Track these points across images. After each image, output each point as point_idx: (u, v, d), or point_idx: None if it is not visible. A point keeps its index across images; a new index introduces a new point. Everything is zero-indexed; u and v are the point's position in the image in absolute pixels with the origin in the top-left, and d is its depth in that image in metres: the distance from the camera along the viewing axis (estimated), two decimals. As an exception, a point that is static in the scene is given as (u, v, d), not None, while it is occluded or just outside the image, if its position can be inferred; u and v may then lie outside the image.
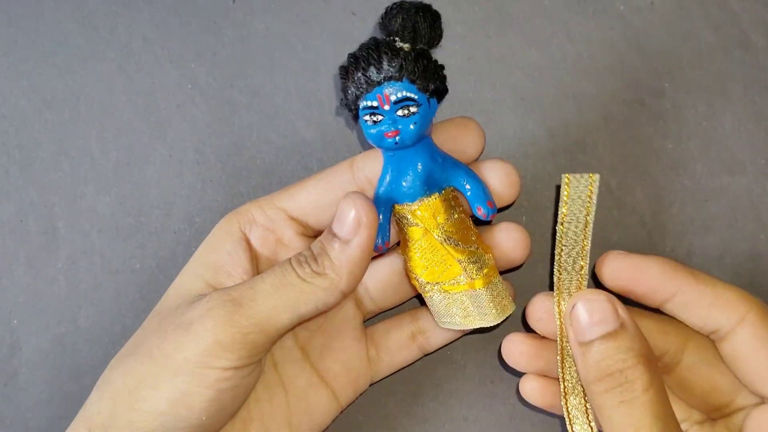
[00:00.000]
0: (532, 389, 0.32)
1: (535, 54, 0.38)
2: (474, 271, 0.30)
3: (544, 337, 0.32)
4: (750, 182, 0.37)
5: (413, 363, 0.36)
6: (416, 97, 0.28)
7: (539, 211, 0.37)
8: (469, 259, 0.30)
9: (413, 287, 0.33)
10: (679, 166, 0.37)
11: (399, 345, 0.35)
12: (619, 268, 0.31)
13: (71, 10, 0.39)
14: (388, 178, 0.30)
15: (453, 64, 0.38)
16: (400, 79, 0.27)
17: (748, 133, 0.37)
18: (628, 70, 0.37)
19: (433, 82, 0.28)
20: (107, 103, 0.39)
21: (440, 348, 0.36)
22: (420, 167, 0.30)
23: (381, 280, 0.35)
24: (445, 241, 0.30)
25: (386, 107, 0.28)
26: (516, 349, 0.32)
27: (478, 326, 0.31)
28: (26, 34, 0.39)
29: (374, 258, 0.34)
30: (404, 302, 0.36)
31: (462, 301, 0.30)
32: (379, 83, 0.28)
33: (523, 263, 0.34)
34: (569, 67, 0.38)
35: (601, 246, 0.37)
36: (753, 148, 0.37)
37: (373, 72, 0.28)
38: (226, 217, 0.33)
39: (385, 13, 0.28)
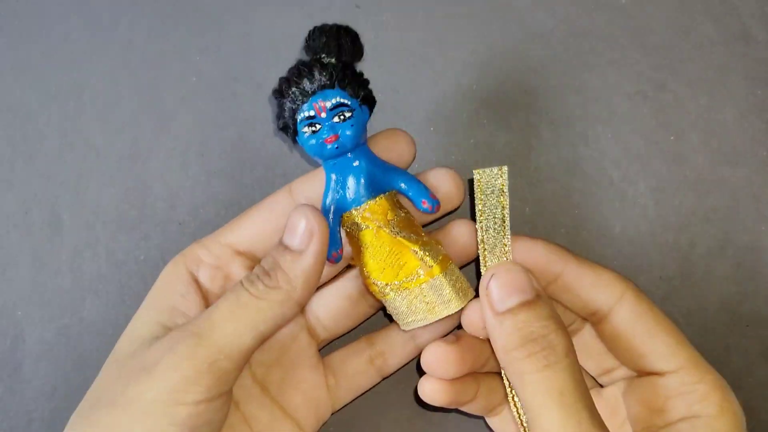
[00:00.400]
0: (431, 390, 0.32)
1: (538, 47, 0.38)
2: (430, 259, 0.30)
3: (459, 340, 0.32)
4: (751, 174, 0.37)
5: (373, 387, 0.36)
6: (349, 102, 0.30)
7: (542, 204, 0.37)
8: (423, 248, 0.30)
9: (370, 302, 0.34)
10: (680, 158, 0.37)
11: (357, 371, 0.35)
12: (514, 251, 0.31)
13: (76, 3, 0.39)
14: (332, 187, 0.31)
15: (457, 57, 0.38)
16: (332, 87, 0.29)
17: (749, 125, 0.37)
18: (630, 63, 0.38)
19: (362, 89, 0.30)
20: (111, 95, 0.39)
21: (398, 369, 0.35)
22: (362, 172, 0.31)
23: (331, 307, 0.34)
24: (398, 234, 0.31)
25: (323, 114, 0.30)
26: (439, 355, 0.31)
27: (443, 316, 0.31)
28: (31, 28, 0.39)
29: (321, 286, 0.34)
30: (356, 327, 0.36)
31: (424, 293, 0.31)
32: (314, 92, 0.29)
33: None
34: (571, 60, 0.38)
35: (603, 237, 0.37)
36: (754, 140, 0.37)
37: (306, 84, 0.29)
38: (172, 262, 0.32)
39: (309, 35, 0.30)
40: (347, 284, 0.34)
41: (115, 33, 0.39)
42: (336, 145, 0.30)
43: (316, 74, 0.29)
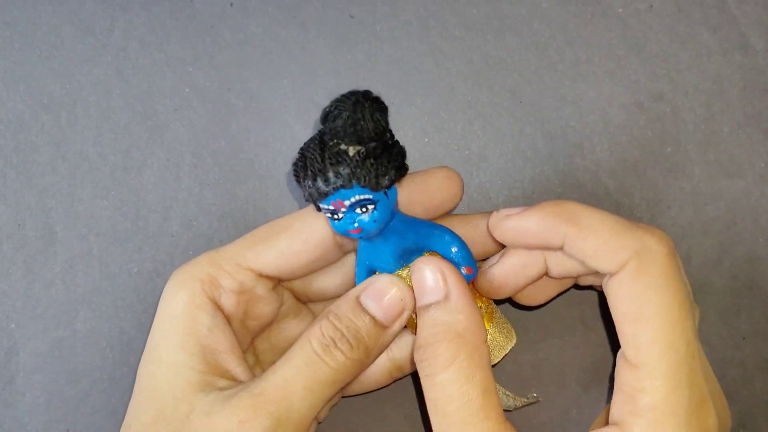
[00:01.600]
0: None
1: (533, 57, 0.38)
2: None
3: None
4: (748, 185, 0.37)
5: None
6: (371, 197, 0.27)
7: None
8: None
9: None
10: (677, 170, 0.37)
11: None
12: (505, 231, 0.29)
13: (68, 13, 0.39)
14: (363, 258, 0.30)
15: (451, 67, 0.38)
16: (350, 187, 0.27)
17: (747, 136, 0.37)
18: (627, 73, 0.37)
19: (387, 179, 0.27)
20: (104, 106, 0.38)
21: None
22: (392, 246, 0.29)
23: None
24: None
25: (343, 210, 0.27)
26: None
27: (500, 359, 0.31)
28: (23, 38, 0.39)
29: None
30: None
31: None
32: (330, 193, 0.27)
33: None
34: (567, 70, 0.38)
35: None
36: (752, 152, 0.37)
37: (321, 184, 0.27)
38: (185, 284, 0.30)
39: (325, 114, 0.27)
40: None
41: (107, 43, 0.39)
42: (360, 236, 0.28)
43: (331, 176, 0.27)
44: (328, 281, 0.34)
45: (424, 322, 0.27)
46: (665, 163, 0.37)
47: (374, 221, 0.27)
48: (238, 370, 0.30)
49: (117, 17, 0.39)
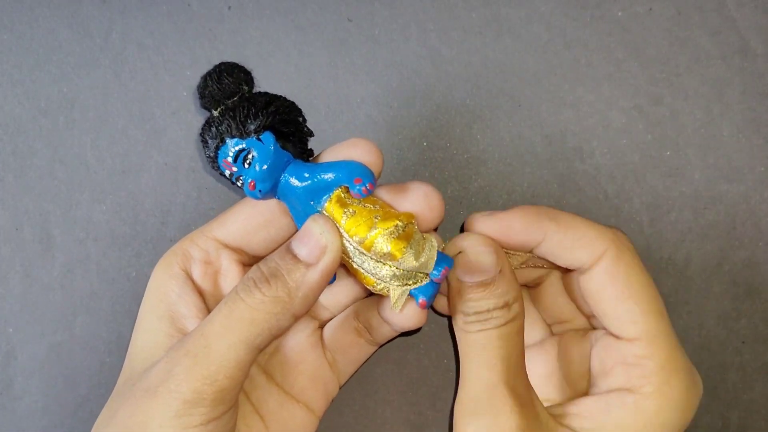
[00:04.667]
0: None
1: (532, 60, 0.38)
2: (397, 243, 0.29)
3: None
4: (748, 189, 0.37)
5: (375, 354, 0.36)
6: (243, 145, 0.29)
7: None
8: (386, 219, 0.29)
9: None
10: (676, 174, 0.37)
11: (350, 344, 0.35)
12: (487, 230, 0.31)
13: (66, 16, 0.39)
14: (293, 214, 0.30)
15: (450, 71, 0.38)
16: (223, 143, 0.29)
17: (747, 140, 0.37)
18: (626, 77, 0.37)
19: (250, 123, 0.29)
20: (102, 110, 0.38)
21: (392, 339, 0.35)
22: (299, 191, 0.30)
23: (330, 287, 0.34)
24: (355, 252, 0.29)
25: (234, 168, 0.29)
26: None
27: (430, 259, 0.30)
28: (21, 41, 0.39)
29: None
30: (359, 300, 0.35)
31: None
32: (216, 156, 0.29)
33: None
34: (566, 73, 0.37)
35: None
36: (751, 156, 0.37)
37: (207, 152, 0.30)
38: (164, 260, 0.32)
39: (197, 94, 0.30)
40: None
41: (105, 47, 0.39)
42: (258, 189, 0.29)
43: (208, 139, 0.29)
44: None
45: (481, 294, 0.30)
46: (664, 167, 0.37)
47: (260, 167, 0.29)
48: None
49: (115, 20, 0.39)
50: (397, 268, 0.29)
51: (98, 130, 0.38)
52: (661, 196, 0.37)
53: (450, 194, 0.37)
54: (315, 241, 0.28)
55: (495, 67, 0.38)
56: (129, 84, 0.38)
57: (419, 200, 0.30)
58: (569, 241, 0.30)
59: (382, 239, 0.28)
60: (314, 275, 0.28)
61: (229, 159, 0.29)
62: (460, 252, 0.30)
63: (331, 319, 0.35)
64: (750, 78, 0.37)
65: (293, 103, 0.30)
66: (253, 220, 0.32)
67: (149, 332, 0.31)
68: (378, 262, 0.29)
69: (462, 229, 0.33)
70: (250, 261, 0.33)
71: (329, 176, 0.29)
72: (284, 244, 0.29)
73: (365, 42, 0.38)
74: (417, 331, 0.37)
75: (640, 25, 0.37)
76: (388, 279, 0.29)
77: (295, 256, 0.28)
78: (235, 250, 0.32)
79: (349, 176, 0.29)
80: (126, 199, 0.38)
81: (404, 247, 0.29)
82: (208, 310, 0.32)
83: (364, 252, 0.29)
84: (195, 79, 0.38)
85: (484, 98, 0.37)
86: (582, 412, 0.30)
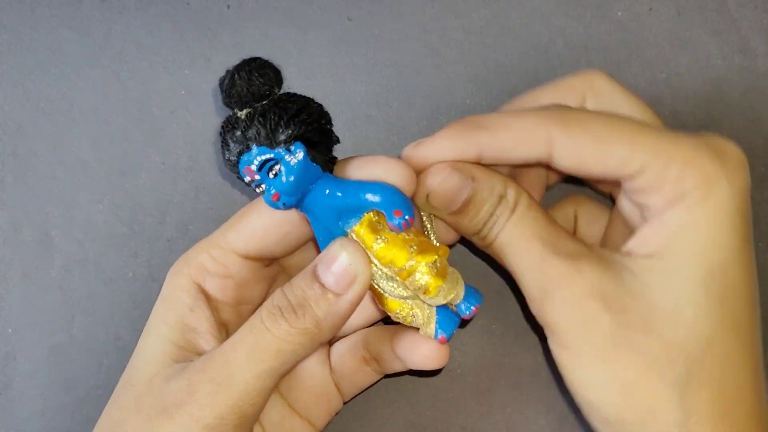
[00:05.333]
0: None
1: (532, 61, 0.37)
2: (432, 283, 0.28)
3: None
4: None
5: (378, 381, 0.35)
6: (271, 155, 0.27)
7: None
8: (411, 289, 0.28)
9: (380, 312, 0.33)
10: (677, 174, 0.37)
11: (355, 369, 0.34)
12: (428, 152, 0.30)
13: (65, 17, 0.39)
14: (315, 228, 0.29)
15: (451, 71, 0.38)
16: (249, 150, 0.27)
17: (747, 140, 0.37)
18: (626, 77, 0.37)
19: (281, 133, 0.27)
20: (101, 110, 0.38)
21: (398, 373, 0.34)
22: (328, 208, 0.28)
23: None
24: (383, 276, 0.29)
25: (257, 177, 0.27)
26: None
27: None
28: (20, 41, 0.39)
29: None
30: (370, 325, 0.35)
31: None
32: (238, 162, 0.27)
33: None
34: (567, 73, 0.37)
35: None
36: (752, 156, 0.37)
37: (228, 156, 0.27)
38: (175, 270, 0.31)
39: (220, 89, 0.28)
40: None
41: (104, 46, 0.39)
42: (282, 202, 0.27)
43: (231, 144, 0.27)
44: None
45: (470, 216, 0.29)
46: (665, 168, 0.37)
47: (287, 179, 0.27)
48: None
49: (114, 20, 0.39)
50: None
51: (97, 130, 0.38)
52: (661, 197, 0.37)
53: (450, 194, 0.37)
54: (344, 270, 0.27)
55: (495, 68, 0.38)
56: (128, 84, 0.38)
57: (381, 169, 0.29)
58: (509, 141, 0.28)
59: (421, 272, 0.28)
60: (343, 306, 0.27)
61: (253, 167, 0.27)
62: (427, 195, 0.29)
63: (340, 338, 0.35)
64: (750, 78, 0.37)
65: (322, 107, 0.28)
66: (272, 227, 0.30)
67: (157, 339, 0.30)
68: (405, 287, 0.29)
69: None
70: (269, 263, 0.32)
71: (365, 198, 0.28)
72: (309, 269, 0.28)
73: (365, 42, 0.38)
74: (433, 373, 0.36)
75: (640, 25, 0.37)
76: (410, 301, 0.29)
77: (322, 285, 0.27)
78: (255, 258, 0.31)
79: (388, 205, 0.27)
80: (124, 199, 0.38)
81: (441, 285, 0.28)
82: (221, 323, 0.31)
83: (396, 278, 0.28)
84: (194, 79, 0.38)
85: (485, 98, 0.37)
86: (645, 238, 0.28)
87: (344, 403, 0.35)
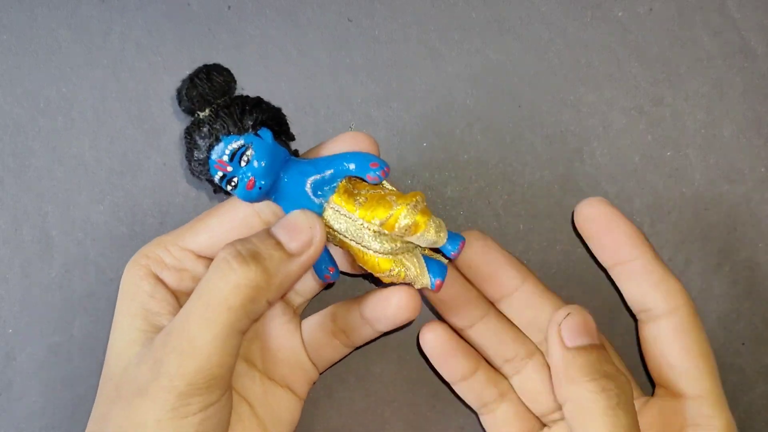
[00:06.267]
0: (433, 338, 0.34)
1: (532, 60, 0.37)
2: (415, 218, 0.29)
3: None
4: (749, 190, 0.37)
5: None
6: (241, 141, 0.28)
7: (537, 220, 0.37)
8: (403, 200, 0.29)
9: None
10: (677, 174, 0.37)
11: (324, 343, 0.34)
12: (598, 215, 0.32)
13: (65, 16, 0.39)
14: (290, 210, 0.30)
15: (450, 71, 0.38)
16: (218, 141, 0.28)
17: (748, 141, 0.37)
18: (627, 77, 0.37)
19: (247, 118, 0.28)
20: (101, 110, 0.38)
21: (370, 342, 0.35)
22: (302, 185, 0.29)
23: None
24: (371, 237, 0.29)
25: (229, 168, 0.28)
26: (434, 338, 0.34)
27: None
28: (19, 41, 0.39)
29: None
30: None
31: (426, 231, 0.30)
32: (209, 157, 0.28)
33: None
34: (567, 73, 0.37)
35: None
36: (752, 156, 0.37)
37: (198, 154, 0.29)
38: (133, 262, 0.32)
39: (178, 100, 0.29)
40: None
41: (104, 46, 0.38)
42: (258, 186, 0.28)
43: (199, 140, 0.28)
44: (306, 288, 0.35)
45: (588, 360, 0.29)
46: (665, 168, 0.37)
47: (259, 163, 0.28)
48: None
49: (114, 20, 0.39)
50: (409, 244, 0.29)
51: (97, 130, 0.38)
52: (661, 197, 0.37)
53: (450, 195, 0.37)
54: (302, 231, 0.28)
55: (495, 68, 0.37)
56: (128, 84, 0.38)
57: (347, 143, 0.30)
58: (656, 277, 0.31)
59: (405, 213, 0.28)
60: (295, 266, 0.28)
61: (225, 158, 0.28)
62: (566, 315, 0.30)
63: (304, 303, 0.35)
64: (751, 78, 0.37)
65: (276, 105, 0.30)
66: (229, 234, 0.31)
67: (124, 331, 0.31)
68: (395, 241, 0.29)
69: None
70: None
71: (339, 166, 0.29)
72: (265, 229, 0.29)
73: (365, 42, 0.38)
74: (396, 330, 0.36)
75: (640, 25, 0.37)
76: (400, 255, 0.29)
77: (278, 243, 0.28)
78: (210, 260, 0.31)
79: (363, 162, 0.29)
80: (124, 200, 0.38)
81: (429, 219, 0.29)
82: (180, 306, 0.31)
83: (384, 232, 0.29)
84: (194, 79, 0.38)
85: (485, 99, 0.37)
86: None
87: (320, 374, 0.35)
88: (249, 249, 0.28)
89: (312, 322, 0.35)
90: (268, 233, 0.29)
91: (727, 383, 0.36)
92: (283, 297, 0.30)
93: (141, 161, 0.38)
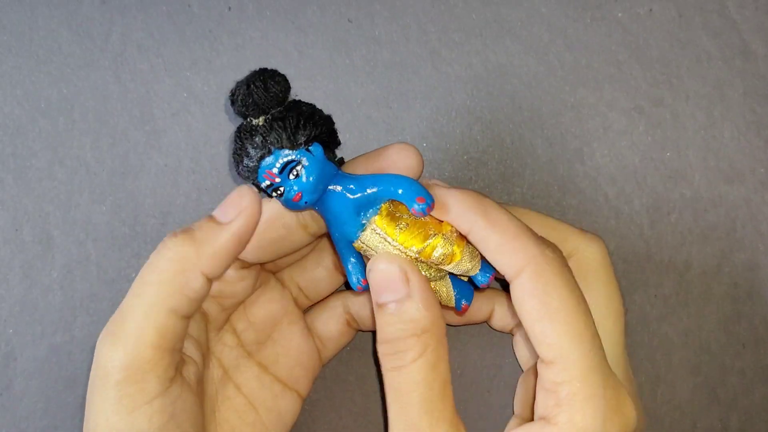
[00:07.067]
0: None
1: (532, 62, 0.37)
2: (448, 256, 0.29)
3: None
4: (749, 192, 0.37)
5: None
6: (293, 157, 0.28)
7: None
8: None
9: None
10: (677, 176, 0.37)
11: (336, 330, 0.35)
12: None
13: (66, 17, 0.39)
14: (331, 223, 0.30)
15: (450, 73, 0.38)
16: (270, 153, 0.28)
17: (747, 142, 0.37)
18: (627, 78, 0.37)
19: (300, 134, 0.28)
20: (102, 111, 0.38)
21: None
22: (345, 203, 0.29)
23: (311, 278, 0.35)
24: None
25: (278, 179, 0.29)
26: None
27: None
28: (20, 42, 0.39)
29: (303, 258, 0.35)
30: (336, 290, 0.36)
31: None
32: (258, 167, 0.29)
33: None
34: (567, 75, 0.37)
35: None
36: (752, 158, 0.37)
37: (248, 162, 0.29)
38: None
39: (231, 101, 0.29)
40: (324, 255, 0.35)
41: (105, 48, 0.39)
42: (304, 201, 0.29)
43: (250, 150, 0.28)
44: (322, 285, 0.36)
45: (388, 319, 0.28)
46: (665, 169, 0.37)
47: (308, 179, 0.28)
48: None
49: (115, 21, 0.39)
50: (443, 271, 0.30)
51: (98, 132, 0.38)
52: (661, 198, 0.37)
53: (450, 196, 0.37)
54: (232, 201, 0.28)
55: (495, 69, 0.38)
56: (129, 85, 0.38)
57: (393, 155, 0.30)
58: (494, 244, 0.28)
59: (442, 243, 0.29)
60: (226, 233, 0.28)
61: (275, 170, 0.28)
62: (372, 268, 0.29)
63: (311, 305, 0.36)
64: (751, 80, 0.37)
65: (325, 112, 0.30)
66: (264, 231, 0.31)
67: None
68: (431, 268, 0.30)
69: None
70: (248, 266, 0.33)
71: (384, 191, 0.29)
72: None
73: (365, 42, 0.38)
74: None
75: (640, 26, 0.37)
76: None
77: (210, 217, 0.28)
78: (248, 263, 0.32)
79: (411, 194, 0.29)
80: (126, 201, 0.38)
81: (464, 248, 0.29)
82: (212, 314, 0.32)
83: (422, 260, 0.29)
84: (195, 81, 0.38)
85: (484, 99, 0.37)
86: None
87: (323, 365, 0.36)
88: (183, 227, 0.28)
89: (325, 315, 0.35)
90: (207, 216, 0.29)
91: (728, 385, 0.36)
92: (221, 272, 0.29)
93: (142, 162, 0.38)
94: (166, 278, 0.27)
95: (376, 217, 0.29)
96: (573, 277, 0.28)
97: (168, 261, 0.27)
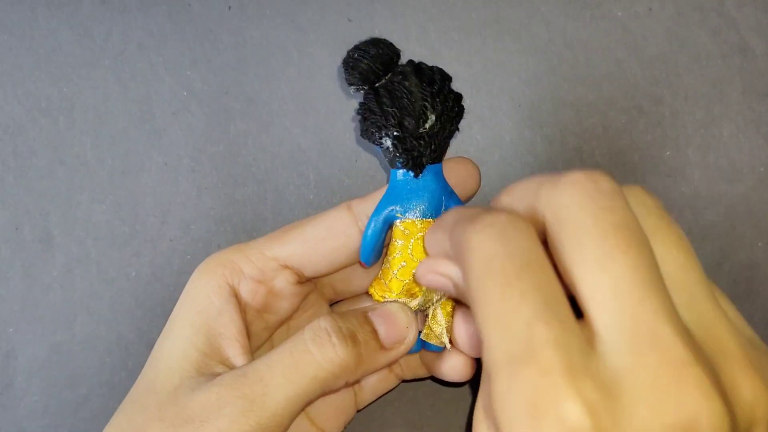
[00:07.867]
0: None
1: (532, 60, 0.38)
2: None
3: None
4: (748, 190, 0.37)
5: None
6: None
7: (536, 219, 0.37)
8: None
9: None
10: (677, 174, 0.37)
11: (379, 377, 0.34)
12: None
13: (66, 16, 0.39)
14: (393, 195, 0.31)
15: (449, 71, 0.38)
16: (382, 146, 0.30)
17: (747, 140, 0.37)
18: (626, 77, 0.37)
19: (426, 160, 0.30)
20: (102, 110, 0.38)
21: (420, 379, 0.35)
22: (429, 192, 0.30)
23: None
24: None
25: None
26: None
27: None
28: (20, 41, 0.39)
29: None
30: None
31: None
32: (369, 137, 0.31)
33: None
34: (566, 73, 0.37)
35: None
36: (751, 156, 0.37)
37: (367, 127, 0.30)
38: (208, 268, 0.31)
39: (350, 61, 0.31)
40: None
41: (105, 47, 0.39)
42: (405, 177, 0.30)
43: (374, 131, 0.30)
44: (355, 281, 0.34)
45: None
46: (664, 168, 0.37)
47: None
48: (238, 359, 0.30)
49: (115, 21, 0.39)
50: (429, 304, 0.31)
51: (98, 131, 0.38)
52: (660, 197, 0.36)
53: (450, 194, 0.37)
54: (399, 329, 0.29)
55: (495, 67, 0.38)
56: (129, 84, 0.39)
57: (455, 171, 0.31)
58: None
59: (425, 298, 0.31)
60: (383, 359, 0.29)
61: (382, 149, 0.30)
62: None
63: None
64: (750, 78, 0.37)
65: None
66: (325, 243, 0.31)
67: (181, 341, 0.29)
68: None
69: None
70: (304, 281, 0.32)
71: (446, 205, 0.31)
72: (360, 310, 0.29)
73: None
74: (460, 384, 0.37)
75: (640, 24, 0.37)
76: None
77: (374, 330, 0.29)
78: (295, 271, 0.31)
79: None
80: (126, 199, 0.38)
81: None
82: (248, 330, 0.31)
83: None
84: (195, 80, 0.38)
85: (484, 98, 0.37)
86: None
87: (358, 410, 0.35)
88: (348, 329, 0.28)
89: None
90: (366, 317, 0.29)
91: (727, 382, 0.36)
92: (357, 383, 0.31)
93: (143, 161, 0.38)
94: (322, 377, 0.28)
95: (408, 222, 0.30)
96: None
97: (331, 363, 0.28)
